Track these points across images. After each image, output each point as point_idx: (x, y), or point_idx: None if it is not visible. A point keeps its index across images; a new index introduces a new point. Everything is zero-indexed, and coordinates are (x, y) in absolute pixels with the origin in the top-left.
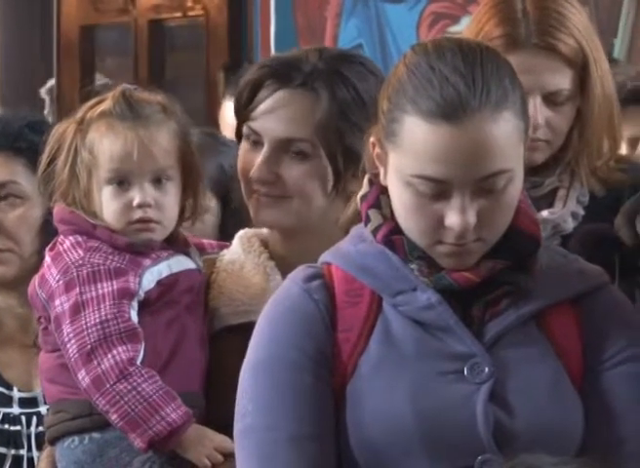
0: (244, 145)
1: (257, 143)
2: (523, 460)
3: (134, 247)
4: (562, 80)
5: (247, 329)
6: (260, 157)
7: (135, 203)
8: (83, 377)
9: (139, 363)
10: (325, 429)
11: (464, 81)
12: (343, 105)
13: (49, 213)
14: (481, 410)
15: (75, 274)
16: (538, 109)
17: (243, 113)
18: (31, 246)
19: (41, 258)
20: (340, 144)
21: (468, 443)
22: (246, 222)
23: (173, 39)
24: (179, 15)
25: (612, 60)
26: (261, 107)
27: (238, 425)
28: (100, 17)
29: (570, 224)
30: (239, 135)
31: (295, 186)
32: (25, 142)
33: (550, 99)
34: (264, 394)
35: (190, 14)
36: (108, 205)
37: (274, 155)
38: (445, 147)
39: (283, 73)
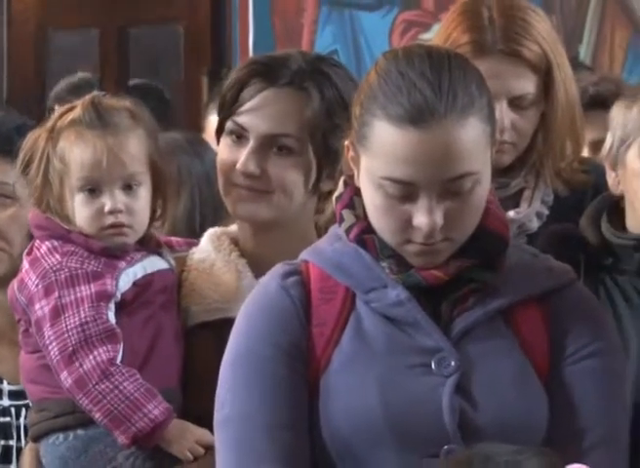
0: (226, 141)
1: (241, 138)
2: (480, 450)
3: (108, 250)
4: (527, 85)
5: (219, 325)
6: (245, 151)
7: (106, 209)
8: (66, 378)
9: (119, 362)
10: (299, 419)
11: (431, 87)
12: (329, 106)
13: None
14: (447, 403)
15: (54, 278)
16: (504, 113)
17: (228, 110)
18: (21, 246)
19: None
20: (323, 143)
21: (434, 433)
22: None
23: (146, 44)
24: (154, 20)
25: (579, 65)
26: (248, 104)
27: (217, 415)
28: (61, 20)
29: (535, 224)
30: (220, 131)
31: (278, 181)
32: (15, 145)
33: (516, 104)
34: (242, 386)
35: (168, 19)
36: (80, 211)
37: (260, 150)
38: (412, 151)
39: (270, 72)
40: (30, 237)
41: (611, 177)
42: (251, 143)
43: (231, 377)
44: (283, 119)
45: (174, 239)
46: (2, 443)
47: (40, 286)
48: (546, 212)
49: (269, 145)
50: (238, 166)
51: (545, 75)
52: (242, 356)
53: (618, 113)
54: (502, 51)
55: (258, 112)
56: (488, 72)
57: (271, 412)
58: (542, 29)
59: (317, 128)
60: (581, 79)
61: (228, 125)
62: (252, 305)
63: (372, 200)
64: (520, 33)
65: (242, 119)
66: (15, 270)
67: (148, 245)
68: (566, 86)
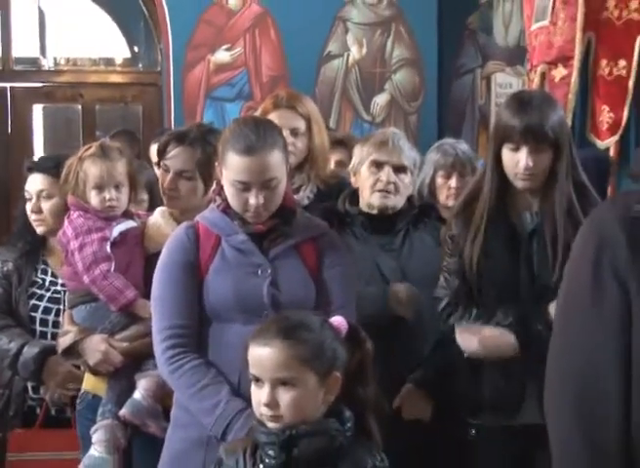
0: (161, 171)
1: (166, 171)
2: (281, 314)
3: (107, 218)
4: (298, 123)
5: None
6: (168, 178)
7: (106, 198)
8: (85, 279)
9: (112, 270)
10: (190, 298)
11: (255, 135)
12: (208, 155)
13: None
14: (266, 291)
15: (79, 230)
16: (287, 137)
17: (162, 156)
18: (57, 217)
19: (62, 222)
20: (207, 173)
21: (259, 307)
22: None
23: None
24: (120, 106)
25: (329, 128)
26: (170, 154)
27: (151, 296)
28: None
29: (305, 202)
30: (158, 166)
31: (183, 192)
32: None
33: (293, 132)
34: (162, 280)
35: (129, 104)
36: (93, 199)
37: (175, 177)
38: (246, 167)
39: (180, 138)
40: (63, 212)
41: (353, 179)
42: (171, 174)
43: (157, 275)
44: (186, 162)
45: (141, 212)
46: (56, 306)
47: (72, 234)
48: (312, 196)
49: (180, 175)
50: (165, 185)
51: (309, 124)
52: (163, 265)
53: (356, 149)
54: (286, 106)
55: (174, 159)
56: (281, 116)
57: (177, 294)
58: (309, 103)
59: (202, 166)
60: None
61: (162, 164)
62: (169, 241)
63: (229, 191)
64: (296, 100)
65: (167, 162)
66: (57, 227)
67: (127, 214)
68: (321, 133)
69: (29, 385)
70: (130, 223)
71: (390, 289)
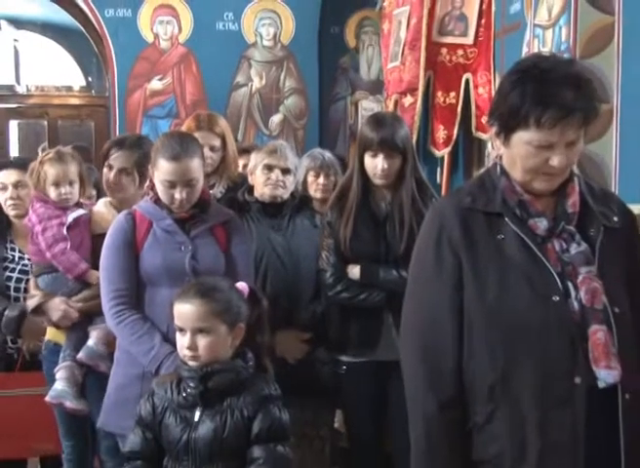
0: (106, 170)
1: (110, 169)
2: (202, 279)
3: (63, 208)
4: (214, 142)
5: (104, 234)
6: (112, 174)
7: (62, 192)
8: (48, 255)
9: (68, 248)
10: (130, 268)
11: (180, 146)
12: (142, 157)
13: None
14: (187, 262)
15: (42, 217)
16: (207, 152)
17: (106, 157)
18: (27, 204)
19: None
20: (142, 169)
21: (182, 274)
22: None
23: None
24: (77, 122)
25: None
26: (112, 156)
27: (100, 267)
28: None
29: (218, 195)
30: (102, 166)
31: (124, 186)
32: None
33: (212, 149)
34: (108, 255)
35: (84, 121)
36: (52, 193)
37: (118, 174)
38: (173, 170)
39: (121, 143)
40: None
41: (250, 178)
42: (114, 171)
43: (104, 251)
44: (125, 162)
45: (88, 202)
46: (26, 277)
47: (37, 219)
48: (224, 191)
49: (121, 172)
50: (110, 180)
51: (223, 140)
52: (108, 244)
53: (252, 155)
54: (205, 128)
55: (115, 160)
56: (202, 136)
57: (119, 265)
58: (224, 124)
59: (136, 164)
60: (237, 144)
61: (106, 164)
62: (113, 225)
63: (159, 188)
64: (214, 123)
65: (111, 162)
66: (24, 214)
67: (78, 205)
68: (232, 145)
69: (8, 338)
70: (80, 211)
71: None
